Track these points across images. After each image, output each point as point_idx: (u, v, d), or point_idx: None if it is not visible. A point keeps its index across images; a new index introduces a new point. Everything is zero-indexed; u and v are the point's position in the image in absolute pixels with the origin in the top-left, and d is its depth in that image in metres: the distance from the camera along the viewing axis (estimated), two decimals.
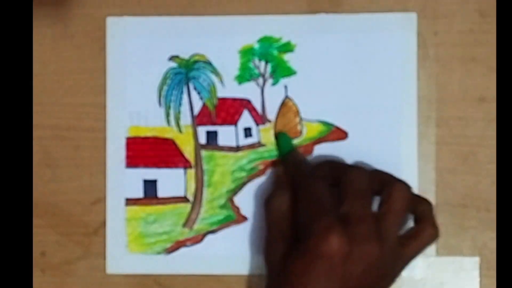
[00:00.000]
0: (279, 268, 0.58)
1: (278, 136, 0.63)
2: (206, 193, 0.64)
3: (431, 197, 0.63)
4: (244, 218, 0.64)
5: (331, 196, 0.58)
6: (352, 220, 0.56)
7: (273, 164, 0.63)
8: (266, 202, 0.60)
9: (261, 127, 0.64)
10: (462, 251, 0.63)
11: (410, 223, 0.60)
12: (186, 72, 0.64)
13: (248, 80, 0.64)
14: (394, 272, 0.58)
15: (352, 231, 0.56)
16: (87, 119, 0.64)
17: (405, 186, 0.58)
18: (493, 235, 0.63)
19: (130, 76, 0.64)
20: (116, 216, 0.64)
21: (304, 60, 0.64)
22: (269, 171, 0.64)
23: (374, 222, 0.57)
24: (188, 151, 0.64)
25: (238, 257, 0.63)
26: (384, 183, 0.58)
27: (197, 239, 0.64)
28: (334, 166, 0.61)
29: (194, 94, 0.64)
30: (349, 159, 0.63)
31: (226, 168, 0.64)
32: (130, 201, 0.64)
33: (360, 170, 0.59)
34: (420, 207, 0.59)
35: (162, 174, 0.64)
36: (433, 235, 0.59)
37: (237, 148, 0.64)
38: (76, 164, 0.64)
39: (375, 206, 0.58)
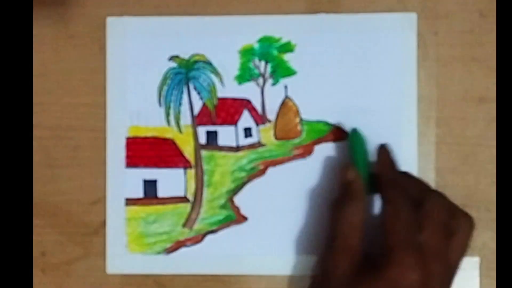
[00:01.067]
0: (339, 283, 0.56)
1: (352, 133, 0.61)
2: (206, 193, 0.64)
3: None
4: (244, 218, 0.64)
5: (415, 222, 0.55)
6: (429, 254, 0.55)
7: (345, 165, 0.60)
8: (336, 208, 0.58)
9: (261, 127, 0.64)
10: None
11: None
12: (186, 72, 0.64)
13: (248, 80, 0.64)
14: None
15: (428, 267, 0.54)
16: (87, 119, 0.64)
17: (471, 219, 0.57)
18: (493, 235, 0.63)
19: (130, 76, 0.64)
20: (116, 216, 0.64)
21: (304, 60, 0.64)
22: (270, 171, 0.64)
23: (446, 255, 0.56)
24: (188, 151, 0.64)
25: (238, 257, 0.64)
26: (454, 214, 0.57)
27: (197, 239, 0.64)
28: (420, 186, 0.58)
29: (194, 94, 0.64)
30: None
31: (226, 168, 0.64)
32: (130, 201, 0.64)
33: (442, 200, 0.57)
34: (463, 222, 0.58)
35: (162, 174, 0.64)
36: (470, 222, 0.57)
37: (237, 148, 0.64)
38: (76, 164, 0.64)
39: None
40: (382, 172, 0.59)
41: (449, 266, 0.56)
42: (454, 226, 0.57)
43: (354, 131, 0.61)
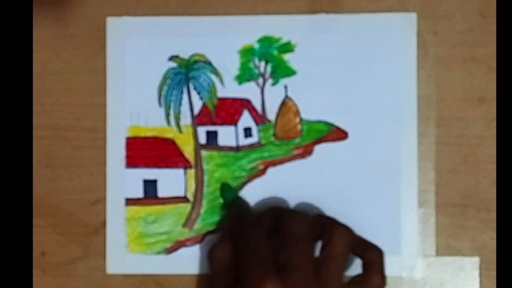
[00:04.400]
0: None
1: (222, 186, 0.63)
2: (206, 193, 0.64)
3: (431, 197, 0.63)
4: None
5: (268, 246, 0.57)
6: (290, 268, 0.56)
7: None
8: (209, 252, 0.60)
9: (261, 127, 0.64)
10: (462, 251, 0.63)
11: (359, 268, 0.60)
12: (186, 72, 0.64)
13: (248, 80, 0.64)
14: None
15: (290, 279, 0.56)
16: (87, 119, 0.64)
17: (346, 230, 0.59)
18: (493, 235, 0.63)
19: (130, 76, 0.64)
20: (116, 216, 0.64)
21: (304, 60, 0.64)
22: (269, 171, 0.64)
23: (313, 268, 0.57)
24: (188, 151, 0.64)
25: None
26: (325, 227, 0.59)
27: (197, 239, 0.64)
28: (276, 213, 0.60)
29: (194, 94, 0.64)
30: (349, 159, 0.63)
31: (226, 168, 0.64)
32: (130, 201, 0.64)
33: (299, 216, 0.59)
34: (369, 254, 0.59)
35: (162, 174, 0.64)
36: (379, 285, 0.59)
37: (237, 148, 0.64)
38: (76, 164, 0.64)
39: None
40: (234, 223, 0.61)
41: (321, 280, 0.57)
42: (325, 239, 0.58)
43: (224, 185, 0.63)
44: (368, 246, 0.60)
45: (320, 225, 0.59)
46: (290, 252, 0.57)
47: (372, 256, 0.59)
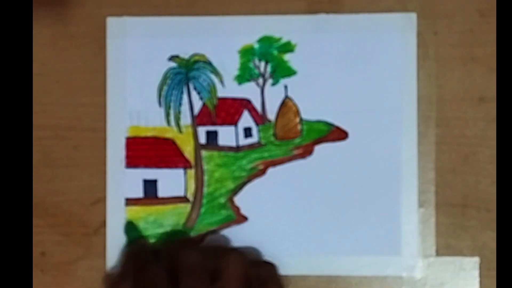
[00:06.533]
0: None
1: (126, 224, 0.64)
2: (206, 193, 0.64)
3: (431, 197, 0.63)
4: (244, 218, 0.64)
5: (167, 281, 0.58)
6: None
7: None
8: (110, 287, 0.61)
9: (261, 127, 0.64)
10: (462, 251, 0.63)
11: None
12: (186, 72, 0.64)
13: (248, 80, 0.64)
14: None
15: None
16: (87, 119, 0.64)
17: (238, 254, 0.59)
18: (493, 235, 0.63)
19: (130, 76, 0.64)
20: (116, 216, 0.64)
21: (304, 60, 0.64)
22: (269, 171, 0.64)
23: None
24: (188, 151, 0.64)
25: None
26: (219, 256, 0.59)
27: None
28: (169, 251, 0.61)
29: (194, 94, 0.64)
30: (349, 159, 0.63)
31: (226, 168, 0.64)
32: (130, 201, 0.64)
33: (191, 250, 0.60)
34: (263, 271, 0.60)
35: (162, 174, 0.64)
36: None
37: (237, 148, 0.64)
38: (76, 164, 0.64)
39: None
40: (134, 261, 0.61)
41: None
42: (220, 267, 0.59)
43: (129, 223, 0.63)
44: (261, 264, 0.61)
45: (213, 254, 0.60)
46: (186, 284, 0.58)
47: (266, 271, 0.60)
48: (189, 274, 0.58)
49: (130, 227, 0.63)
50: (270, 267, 0.61)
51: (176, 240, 0.63)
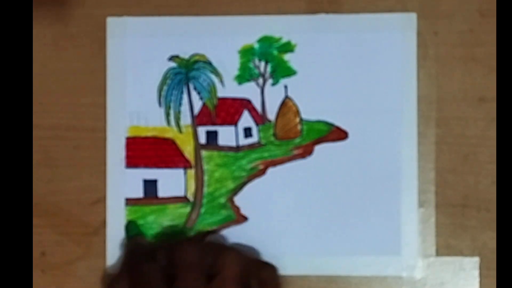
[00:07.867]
0: None
1: (127, 223, 0.63)
2: (206, 193, 0.64)
3: (431, 197, 0.63)
4: (244, 218, 0.64)
5: (162, 279, 0.58)
6: None
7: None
8: (108, 286, 0.60)
9: (261, 127, 0.64)
10: (462, 251, 0.63)
11: None
12: (186, 72, 0.64)
13: (248, 80, 0.64)
14: None
15: None
16: (87, 119, 0.64)
17: (236, 253, 0.59)
18: (493, 235, 0.63)
19: (130, 76, 0.64)
20: (116, 216, 0.64)
21: (304, 60, 0.64)
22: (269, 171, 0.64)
23: None
24: (188, 151, 0.64)
25: None
26: (216, 254, 0.59)
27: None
28: (167, 247, 0.61)
29: (194, 94, 0.64)
30: (349, 159, 0.63)
31: (226, 168, 0.64)
32: (130, 201, 0.64)
33: (189, 245, 0.59)
34: (263, 273, 0.60)
35: (162, 174, 0.64)
36: None
37: (237, 148, 0.64)
38: (76, 164, 0.64)
39: None
40: (130, 258, 0.62)
41: None
42: (217, 264, 0.59)
43: (130, 222, 0.63)
44: (261, 265, 0.60)
45: (211, 252, 0.59)
46: (183, 280, 0.58)
47: (267, 274, 0.60)
48: (186, 270, 0.58)
49: (131, 227, 0.63)
50: (270, 268, 0.60)
51: (175, 238, 0.63)
